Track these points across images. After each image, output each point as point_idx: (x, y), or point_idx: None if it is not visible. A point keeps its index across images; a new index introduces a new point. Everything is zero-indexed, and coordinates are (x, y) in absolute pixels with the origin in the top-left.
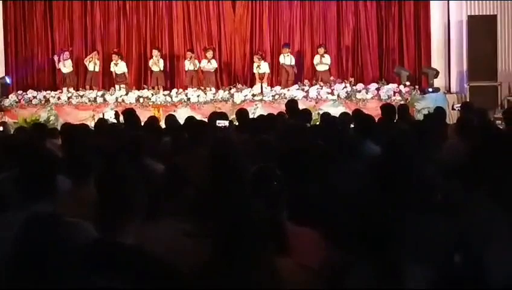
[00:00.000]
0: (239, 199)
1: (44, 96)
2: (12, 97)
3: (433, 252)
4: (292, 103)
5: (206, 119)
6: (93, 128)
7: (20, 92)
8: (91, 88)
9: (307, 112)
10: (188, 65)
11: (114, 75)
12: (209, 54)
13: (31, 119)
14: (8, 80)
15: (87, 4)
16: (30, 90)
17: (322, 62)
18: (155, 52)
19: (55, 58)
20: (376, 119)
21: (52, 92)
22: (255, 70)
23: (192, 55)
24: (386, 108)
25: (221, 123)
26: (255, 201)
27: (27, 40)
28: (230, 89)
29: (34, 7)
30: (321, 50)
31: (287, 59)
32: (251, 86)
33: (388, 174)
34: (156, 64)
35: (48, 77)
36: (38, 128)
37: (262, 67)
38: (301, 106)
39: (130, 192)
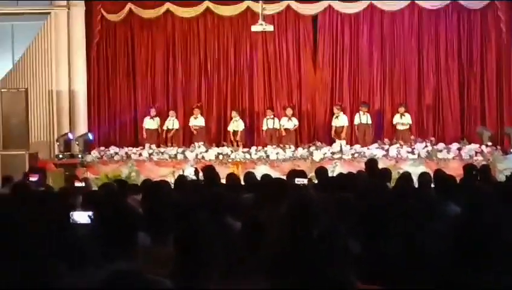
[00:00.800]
0: (316, 257)
1: (126, 153)
2: (94, 153)
3: None
4: (372, 162)
5: (284, 177)
6: (173, 185)
7: (102, 148)
8: (171, 145)
9: (386, 171)
10: (268, 123)
11: (192, 129)
12: (289, 112)
13: (112, 175)
14: (90, 137)
15: (169, 62)
16: (112, 146)
17: (402, 121)
18: (234, 114)
19: (151, 110)
20: (457, 179)
21: (134, 148)
22: (333, 123)
23: (272, 113)
24: (468, 168)
25: (300, 181)
26: (328, 258)
27: (110, 98)
28: (309, 146)
29: (118, 65)
30: (401, 109)
31: (363, 117)
32: (330, 144)
33: (470, 236)
34: (236, 126)
35: (129, 134)
36: (119, 184)
37: (341, 119)
38: (381, 165)
39: (209, 249)
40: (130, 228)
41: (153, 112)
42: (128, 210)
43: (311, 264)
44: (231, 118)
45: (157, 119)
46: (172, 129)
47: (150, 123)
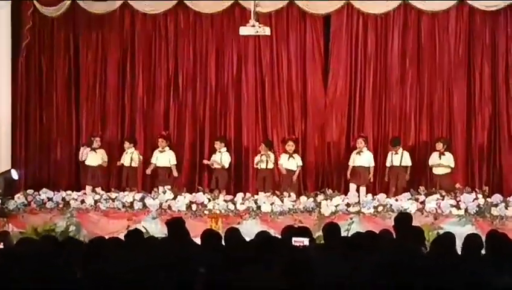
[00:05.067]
0: None
1: (63, 199)
2: (19, 198)
3: None
4: (404, 218)
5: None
6: (124, 243)
7: (30, 191)
8: (127, 189)
9: (418, 231)
10: (260, 162)
11: (153, 167)
12: (290, 146)
13: (43, 229)
14: (14, 175)
15: (126, 74)
16: (44, 189)
17: (442, 163)
18: (218, 144)
19: (83, 149)
20: None
21: (74, 192)
22: (351, 161)
23: (267, 149)
24: None
25: (299, 241)
26: None
27: (43, 122)
28: (316, 195)
29: (55, 77)
30: (439, 145)
31: (396, 158)
32: (345, 193)
33: None
34: (219, 162)
35: (68, 173)
36: (50, 241)
37: (364, 156)
38: (414, 222)
39: None
40: None
41: (96, 142)
42: (57, 275)
43: None
44: (215, 150)
45: (101, 151)
46: (129, 166)
47: (91, 158)
